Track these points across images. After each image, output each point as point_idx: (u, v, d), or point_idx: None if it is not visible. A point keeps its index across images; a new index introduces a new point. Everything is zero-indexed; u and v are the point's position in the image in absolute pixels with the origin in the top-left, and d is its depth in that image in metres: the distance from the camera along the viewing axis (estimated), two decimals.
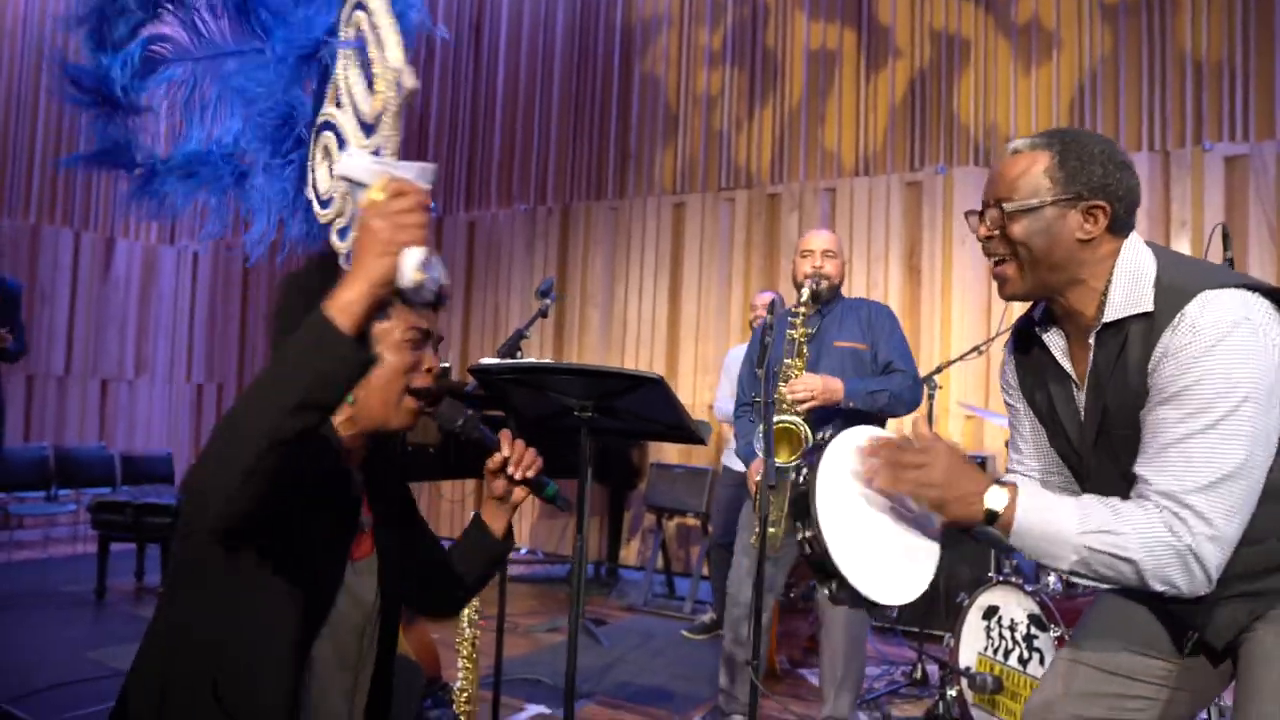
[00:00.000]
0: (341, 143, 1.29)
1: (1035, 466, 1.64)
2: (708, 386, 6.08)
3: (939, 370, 3.94)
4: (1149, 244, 1.43)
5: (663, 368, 6.42)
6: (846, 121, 6.05)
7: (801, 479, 1.47)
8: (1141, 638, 1.58)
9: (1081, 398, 1.48)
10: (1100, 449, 1.46)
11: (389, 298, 1.10)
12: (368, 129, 1.24)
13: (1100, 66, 5.30)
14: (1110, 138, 1.48)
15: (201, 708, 1.26)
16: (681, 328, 6.45)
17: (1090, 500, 1.33)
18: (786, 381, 2.93)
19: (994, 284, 1.53)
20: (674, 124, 6.72)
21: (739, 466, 4.37)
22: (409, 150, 8.04)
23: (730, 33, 6.54)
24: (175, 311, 9.25)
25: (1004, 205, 1.41)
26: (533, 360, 3.01)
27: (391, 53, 1.18)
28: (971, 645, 3.25)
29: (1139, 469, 1.34)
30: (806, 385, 2.87)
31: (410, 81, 1.17)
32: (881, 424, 3.06)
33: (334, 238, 1.31)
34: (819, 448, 1.50)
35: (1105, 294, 1.40)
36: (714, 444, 5.75)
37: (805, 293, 3.01)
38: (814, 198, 6.04)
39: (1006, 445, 1.99)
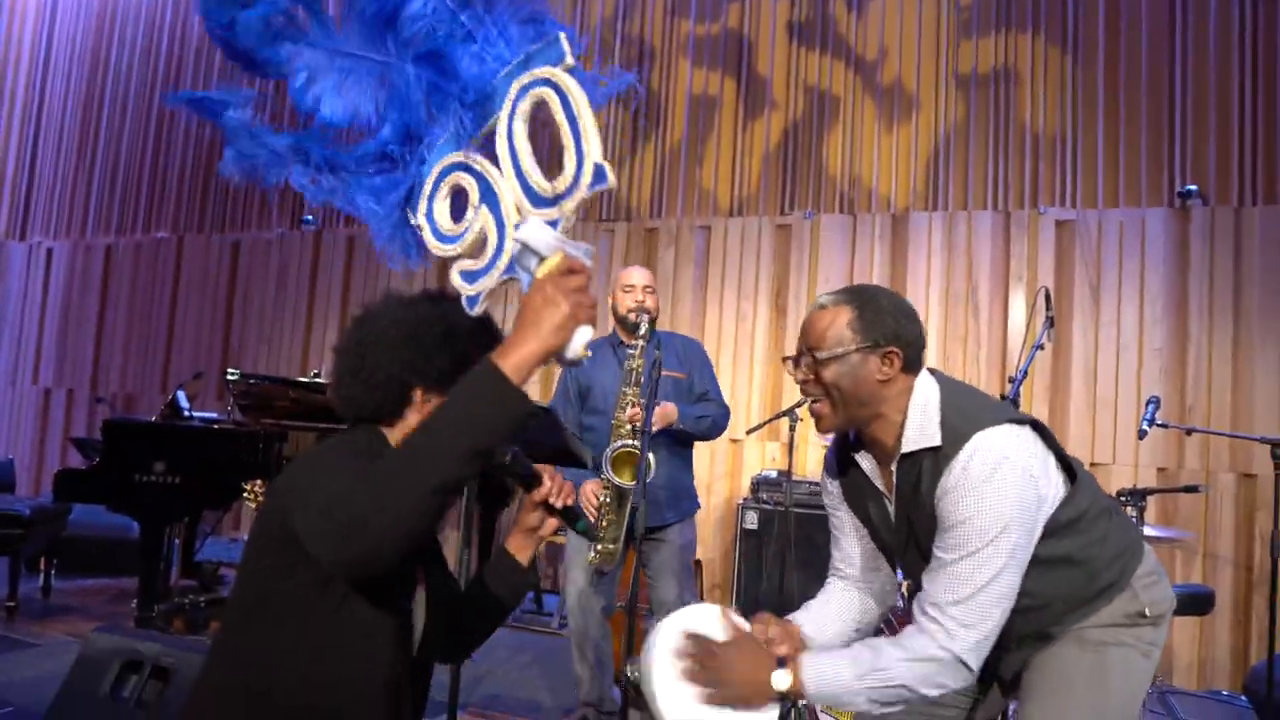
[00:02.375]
0: (487, 194, 1.34)
1: (857, 564, 1.89)
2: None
3: (800, 404, 4.26)
4: (934, 374, 1.71)
5: (540, 396, 6.57)
6: (723, 164, 6.40)
7: (636, 676, 1.61)
8: None
9: (892, 509, 1.76)
10: (910, 551, 1.75)
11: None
12: (538, 200, 1.31)
13: (953, 131, 5.82)
14: (882, 296, 1.71)
15: None
16: None
17: (859, 649, 1.59)
18: (624, 409, 3.16)
19: None
20: (558, 155, 6.89)
21: None
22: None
23: (616, 72, 6.78)
24: (25, 310, 8.78)
25: (816, 354, 1.66)
26: None
27: (593, 146, 1.25)
28: None
29: (924, 578, 1.61)
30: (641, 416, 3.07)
31: (613, 180, 1.25)
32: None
33: (455, 277, 1.37)
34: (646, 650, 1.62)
35: (902, 427, 1.66)
36: None
37: (644, 326, 3.22)
38: (690, 234, 6.36)
39: None
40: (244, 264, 7.94)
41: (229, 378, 4.75)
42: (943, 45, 5.88)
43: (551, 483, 1.60)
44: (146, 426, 4.58)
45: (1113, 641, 1.70)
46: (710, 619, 1.67)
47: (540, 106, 1.32)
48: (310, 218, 7.61)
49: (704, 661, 1.55)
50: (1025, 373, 2.93)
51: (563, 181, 1.28)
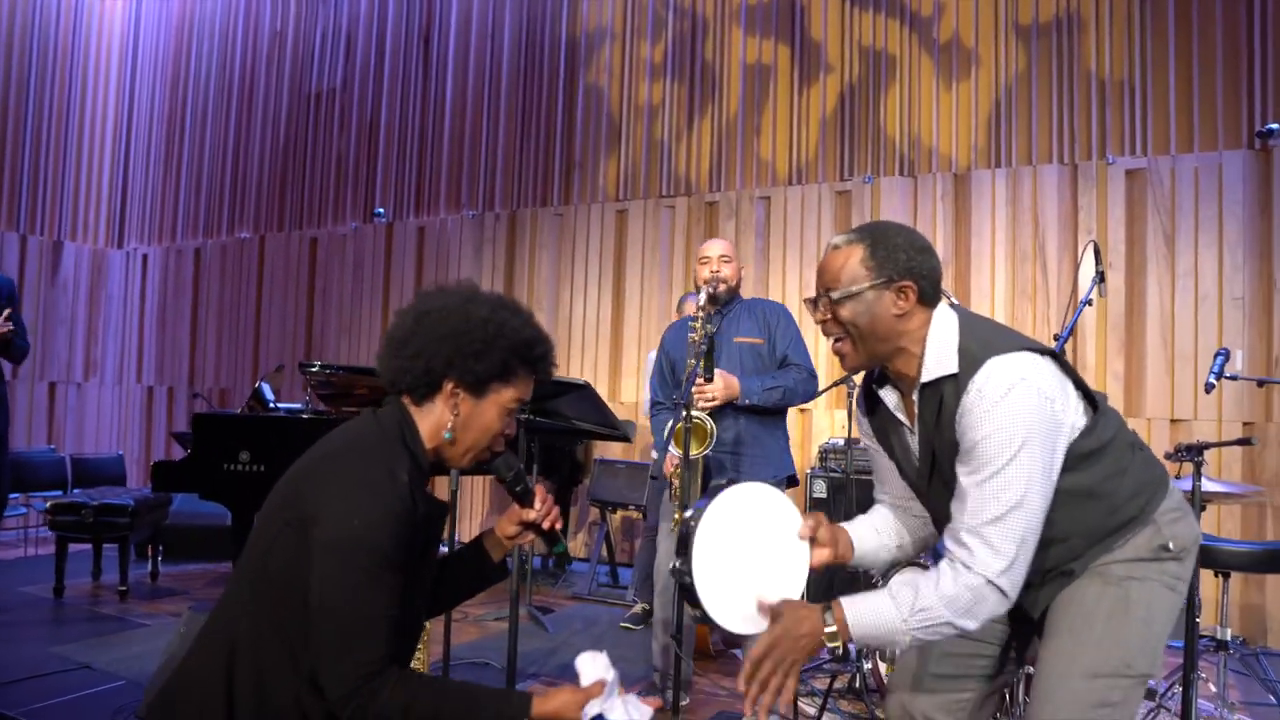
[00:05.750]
0: None
1: (893, 492, 1.93)
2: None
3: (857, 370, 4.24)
4: (954, 307, 1.72)
5: (606, 369, 6.68)
6: (780, 133, 6.36)
7: (690, 521, 1.68)
8: None
9: (915, 441, 1.77)
10: (934, 482, 1.75)
11: None
12: None
13: (1015, 84, 5.66)
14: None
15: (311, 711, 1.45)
16: (625, 330, 6.72)
17: (898, 586, 1.60)
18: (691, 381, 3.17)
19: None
20: (617, 134, 6.98)
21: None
22: (359, 156, 8.16)
23: (670, 46, 6.81)
24: (125, 314, 9.30)
25: (832, 293, 1.68)
26: None
27: None
28: None
29: (952, 506, 1.62)
30: (710, 389, 3.07)
31: None
32: (780, 413, 3.33)
33: None
34: (713, 493, 1.71)
35: (921, 358, 1.67)
36: (648, 439, 6.01)
37: (702, 296, 3.23)
38: (750, 205, 6.34)
39: None
40: (322, 258, 8.25)
41: (306, 369, 4.96)
42: None
43: (543, 505, 1.70)
44: (232, 419, 4.83)
45: (1137, 576, 1.68)
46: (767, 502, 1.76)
47: None
48: (381, 210, 7.85)
49: (760, 647, 1.61)
50: (1071, 330, 2.87)
51: None
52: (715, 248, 3.43)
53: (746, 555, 1.71)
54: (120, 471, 7.15)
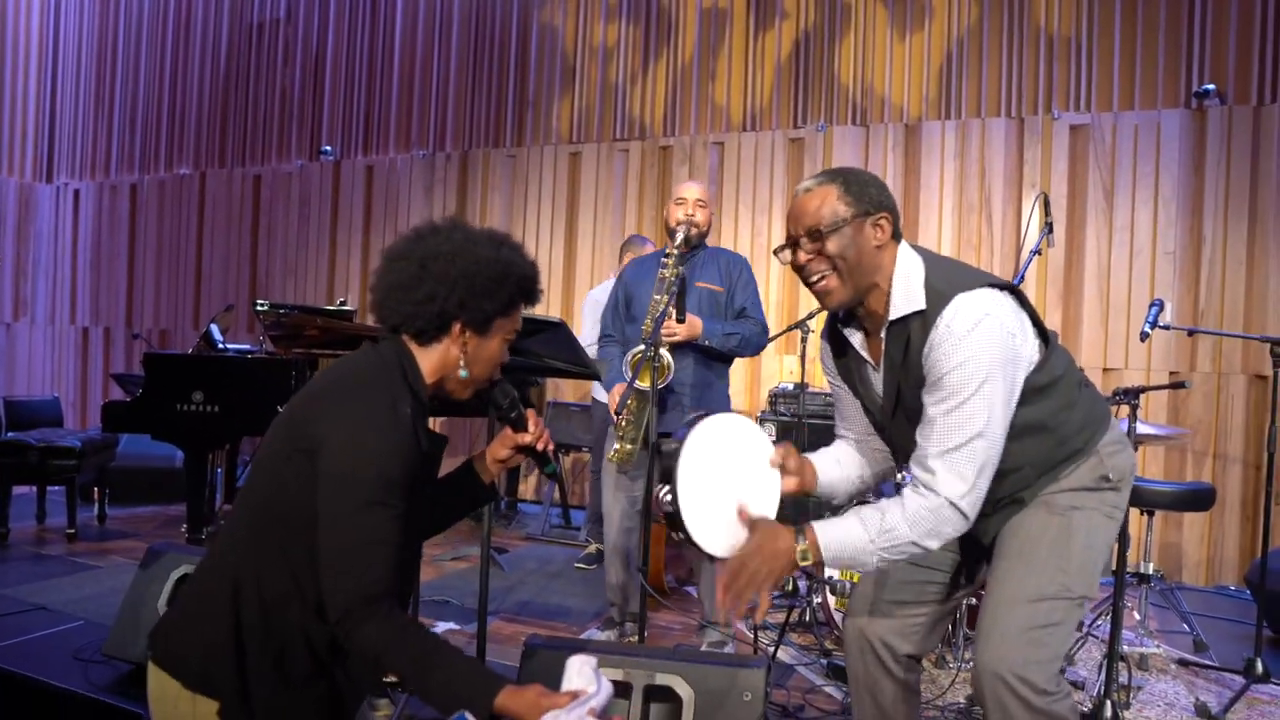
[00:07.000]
0: None
1: (855, 428, 2.04)
2: None
3: (811, 316, 4.35)
4: (914, 247, 1.81)
5: (558, 311, 6.70)
6: (735, 79, 6.37)
7: (672, 449, 1.77)
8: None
9: (879, 378, 1.86)
10: (897, 418, 1.85)
11: None
12: None
13: (966, 37, 5.75)
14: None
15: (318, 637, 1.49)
16: (577, 274, 6.73)
17: (867, 512, 1.71)
18: (654, 317, 3.24)
19: None
20: (571, 75, 6.91)
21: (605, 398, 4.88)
22: (304, 92, 7.96)
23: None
24: (56, 251, 8.99)
25: (820, 229, 1.73)
26: None
27: None
28: None
29: (918, 435, 1.72)
30: (673, 328, 3.15)
31: None
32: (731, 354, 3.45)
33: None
34: (691, 424, 1.80)
35: (889, 295, 1.76)
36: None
37: (680, 236, 3.26)
38: (704, 151, 6.37)
39: None
40: (266, 197, 8.06)
41: (258, 309, 4.90)
42: None
43: (536, 428, 1.74)
44: (184, 359, 4.76)
45: (1079, 506, 1.82)
46: (740, 430, 1.85)
47: None
48: (328, 148, 7.68)
49: (739, 579, 1.69)
50: (1021, 278, 3.00)
51: None
52: (693, 190, 3.46)
53: (725, 482, 1.79)
54: (57, 414, 6.97)
